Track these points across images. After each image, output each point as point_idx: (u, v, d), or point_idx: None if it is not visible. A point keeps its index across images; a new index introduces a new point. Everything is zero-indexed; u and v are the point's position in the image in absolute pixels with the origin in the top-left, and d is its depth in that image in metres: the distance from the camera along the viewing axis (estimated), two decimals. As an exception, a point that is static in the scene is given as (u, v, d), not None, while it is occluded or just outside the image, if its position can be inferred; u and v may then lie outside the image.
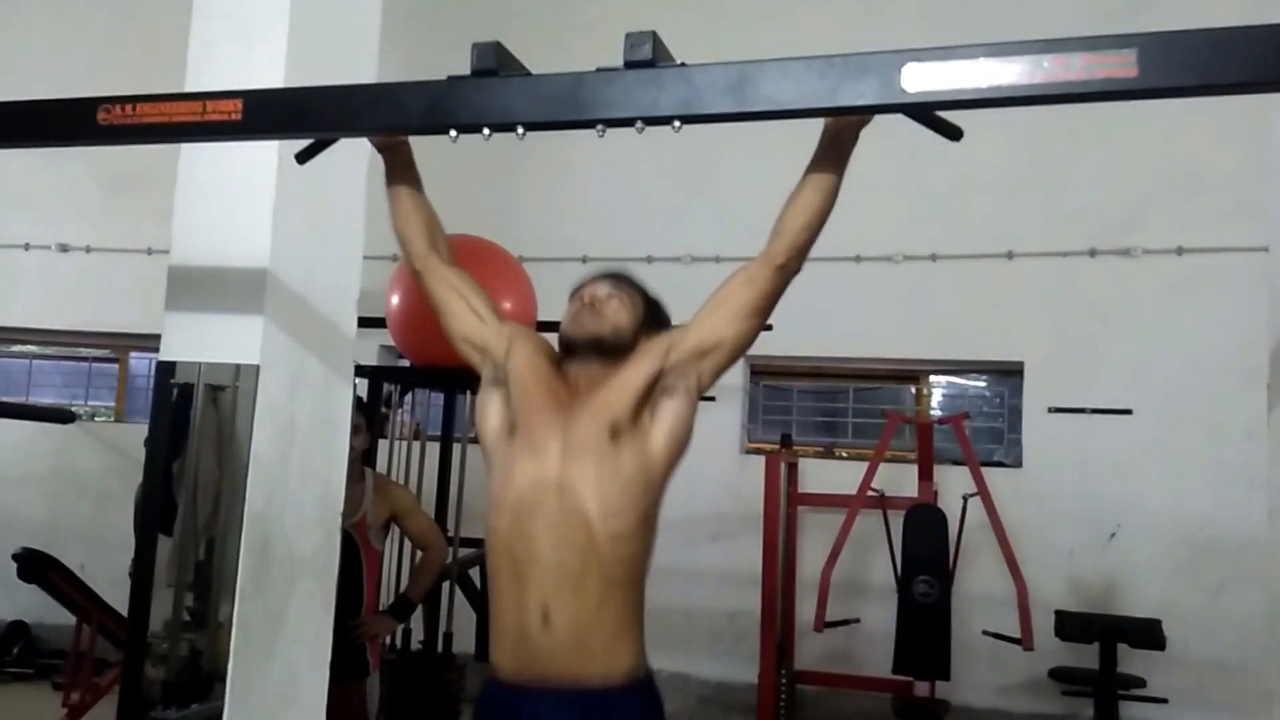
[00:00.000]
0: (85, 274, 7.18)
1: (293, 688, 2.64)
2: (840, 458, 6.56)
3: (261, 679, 2.52)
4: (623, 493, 1.81)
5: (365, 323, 3.04)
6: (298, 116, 1.83)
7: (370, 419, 3.93)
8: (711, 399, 6.35)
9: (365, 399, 4.16)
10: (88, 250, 7.18)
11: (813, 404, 6.91)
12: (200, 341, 2.55)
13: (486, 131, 1.65)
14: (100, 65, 6.65)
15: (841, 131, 1.84)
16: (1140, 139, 5.77)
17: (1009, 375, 6.30)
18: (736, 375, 6.63)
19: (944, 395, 6.61)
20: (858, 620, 5.66)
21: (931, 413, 6.16)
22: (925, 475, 5.48)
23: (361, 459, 3.71)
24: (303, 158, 2.00)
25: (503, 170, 6.61)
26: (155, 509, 2.61)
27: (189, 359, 2.54)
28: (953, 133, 1.78)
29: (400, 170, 2.07)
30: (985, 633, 5.35)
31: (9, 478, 6.98)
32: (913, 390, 6.61)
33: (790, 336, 6.36)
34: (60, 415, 5.99)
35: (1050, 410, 5.96)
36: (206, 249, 2.56)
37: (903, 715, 5.25)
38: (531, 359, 2.01)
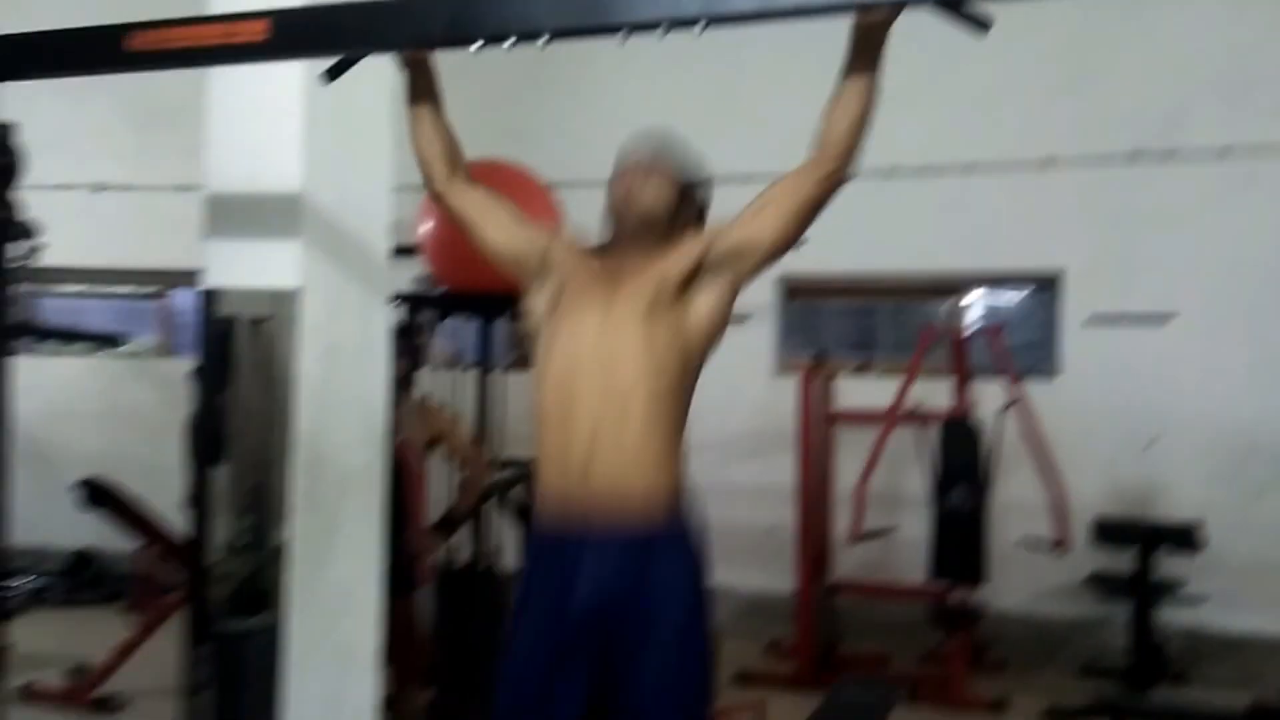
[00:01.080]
0: (125, 212, 7.28)
1: (347, 600, 2.75)
2: (876, 375, 6.56)
3: (317, 592, 2.63)
4: (659, 361, 1.90)
5: (399, 252, 3.08)
6: (323, 34, 1.86)
7: (408, 346, 3.99)
8: (744, 319, 6.47)
9: (403, 326, 4.22)
10: (126, 189, 7.26)
11: (848, 322, 6.90)
12: (240, 268, 2.61)
13: (512, 40, 1.67)
14: None
15: (870, 32, 1.83)
16: (1180, 36, 5.63)
17: (1047, 285, 6.25)
18: (768, 295, 6.64)
19: (981, 308, 6.57)
20: (894, 529, 5.71)
21: (967, 326, 6.13)
22: (961, 388, 5.48)
23: (403, 384, 3.79)
24: (330, 76, 2.02)
25: (528, 93, 6.58)
26: (207, 438, 2.70)
27: (230, 285, 2.60)
28: (981, 24, 1.76)
29: (423, 90, 2.08)
30: (1020, 541, 5.39)
31: (63, 413, 7.17)
32: (949, 304, 6.57)
33: (823, 253, 6.38)
34: (107, 339, 6.16)
35: (1089, 319, 5.92)
36: (240, 176, 2.61)
37: (937, 620, 5.34)
38: (570, 250, 2.09)
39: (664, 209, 2.04)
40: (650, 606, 1.83)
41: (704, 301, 1.98)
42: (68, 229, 7.36)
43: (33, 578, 6.95)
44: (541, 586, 1.90)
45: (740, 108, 6.47)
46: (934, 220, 6.20)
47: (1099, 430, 5.81)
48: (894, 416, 5.45)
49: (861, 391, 6.17)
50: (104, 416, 7.18)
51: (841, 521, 5.69)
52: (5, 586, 6.77)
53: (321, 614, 2.64)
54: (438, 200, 2.16)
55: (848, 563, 5.98)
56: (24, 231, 2.30)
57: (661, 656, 1.82)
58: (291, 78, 2.49)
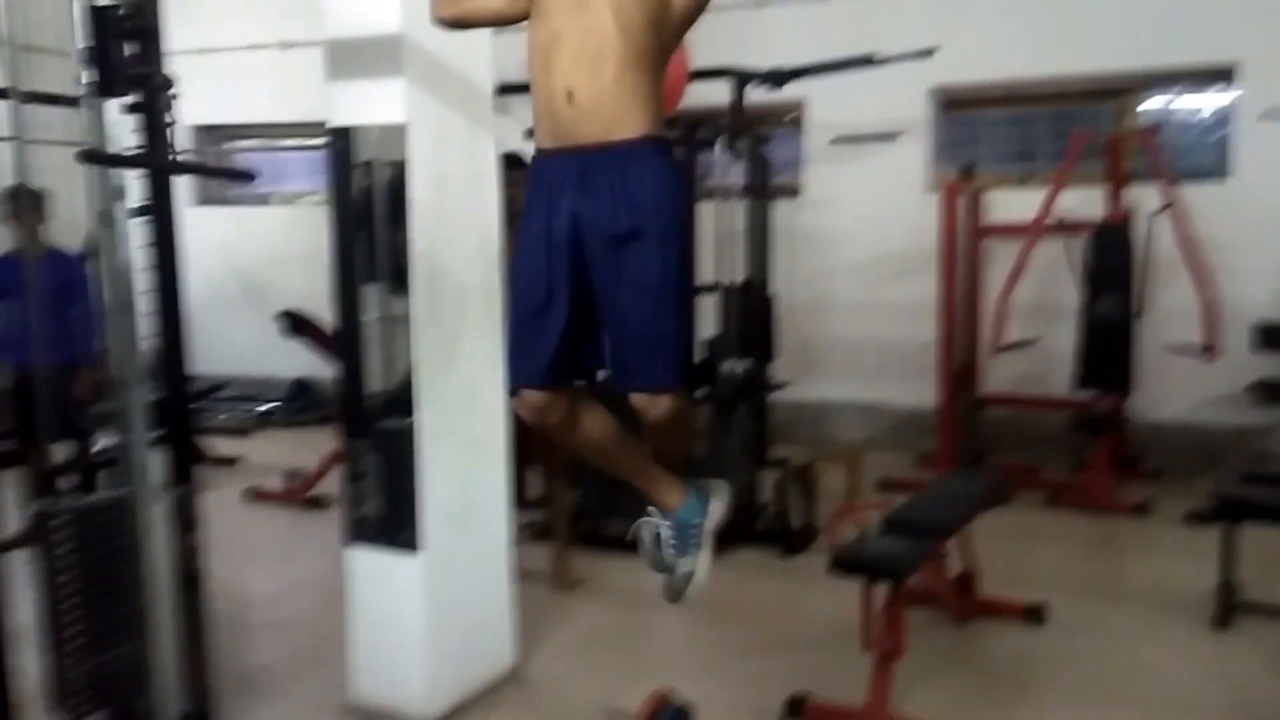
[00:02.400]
0: (311, 68, 7.81)
1: (474, 394, 3.16)
2: (1036, 186, 6.38)
3: (446, 388, 3.04)
4: (632, 21, 2.02)
5: (505, 90, 3.32)
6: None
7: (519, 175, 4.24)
8: (895, 135, 6.39)
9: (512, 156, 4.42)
10: (309, 46, 7.77)
11: (1005, 133, 6.68)
12: (356, 108, 2.94)
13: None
14: None
15: None
16: None
17: (1220, 79, 5.83)
18: (920, 109, 6.51)
19: (1149, 110, 6.21)
20: (1037, 339, 5.68)
21: (1126, 128, 5.84)
22: (1115, 194, 5.30)
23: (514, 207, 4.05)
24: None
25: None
26: (348, 261, 3.09)
27: (347, 124, 2.95)
28: None
29: None
30: (1168, 345, 5.28)
31: (275, 258, 8.00)
32: (1115, 109, 6.25)
33: (980, 62, 6.19)
34: (240, 174, 6.75)
35: (1264, 113, 5.53)
36: (351, 23, 2.91)
37: (1081, 427, 5.35)
38: None
39: None
40: (627, 208, 2.02)
41: None
42: (263, 87, 8.07)
43: (260, 403, 7.97)
44: (536, 205, 2.13)
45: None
46: (1096, 18, 5.87)
47: (1271, 233, 5.51)
48: (1041, 226, 5.35)
49: (1021, 204, 6.03)
50: (307, 258, 7.93)
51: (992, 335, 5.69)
52: (240, 410, 7.81)
53: (449, 411, 3.06)
54: (439, 23, 2.31)
55: (1002, 377, 6.03)
56: (166, 85, 2.67)
57: (640, 245, 2.03)
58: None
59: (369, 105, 2.91)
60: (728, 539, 4.58)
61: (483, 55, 3.11)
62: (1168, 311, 5.48)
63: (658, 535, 2.32)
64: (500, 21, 2.27)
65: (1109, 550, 4.85)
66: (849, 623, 3.10)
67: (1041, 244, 5.46)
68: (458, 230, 3.05)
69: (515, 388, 2.16)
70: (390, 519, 3.04)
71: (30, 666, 2.54)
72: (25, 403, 4.06)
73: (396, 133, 2.88)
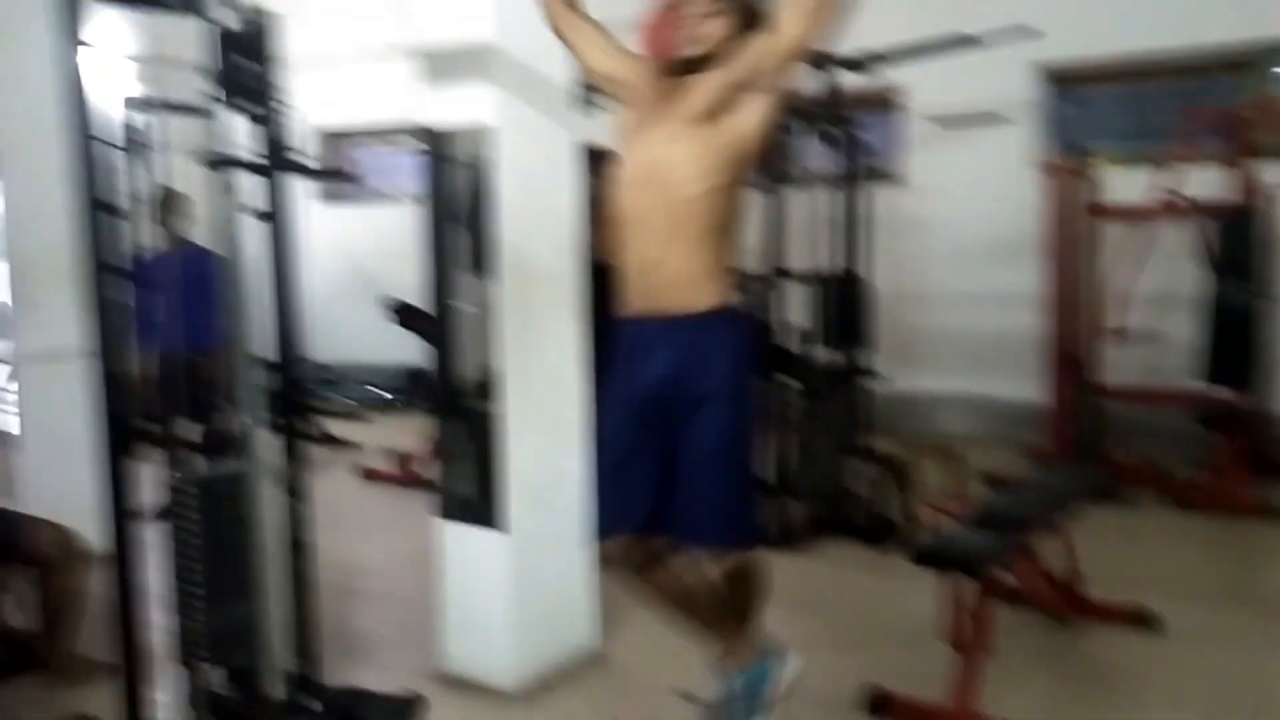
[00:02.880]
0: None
1: (558, 380, 3.33)
2: (1159, 166, 6.13)
3: (531, 373, 3.21)
4: (705, 168, 2.19)
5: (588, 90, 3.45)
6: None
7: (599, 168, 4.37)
8: (1002, 118, 6.24)
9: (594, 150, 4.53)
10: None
11: (1120, 110, 6.44)
12: (449, 111, 3.13)
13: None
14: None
15: None
16: None
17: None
18: (1027, 88, 6.35)
19: (1276, 82, 5.86)
20: (1156, 330, 5.45)
21: (1249, 102, 5.51)
22: (1240, 173, 5.04)
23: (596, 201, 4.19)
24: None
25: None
26: (442, 253, 3.29)
27: (441, 125, 3.14)
28: None
29: None
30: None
31: (391, 253, 8.34)
32: (1239, 82, 5.93)
33: (1092, 36, 5.98)
34: (348, 175, 7.07)
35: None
36: (443, 32, 3.10)
37: (1207, 423, 5.13)
38: (644, 75, 2.37)
39: (719, 41, 2.25)
40: (702, 373, 2.21)
41: (745, 115, 2.20)
42: (383, 92, 8.42)
43: (375, 389, 8.37)
44: (624, 363, 2.33)
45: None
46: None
47: None
48: (1159, 207, 5.12)
49: (1137, 185, 5.81)
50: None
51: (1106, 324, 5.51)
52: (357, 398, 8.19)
53: (534, 396, 3.23)
54: (556, 35, 2.51)
55: (1119, 368, 5.77)
56: (283, 95, 2.90)
57: (711, 408, 2.20)
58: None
59: (461, 108, 3.09)
60: (819, 530, 4.65)
61: (562, 62, 3.26)
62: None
63: (727, 691, 2.43)
64: (591, 73, 2.46)
65: (1234, 554, 4.60)
66: (940, 620, 3.05)
67: (1160, 227, 5.25)
68: (541, 223, 3.21)
69: (600, 534, 2.33)
70: (478, 498, 3.22)
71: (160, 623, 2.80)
72: (168, 386, 4.49)
73: (486, 133, 3.06)
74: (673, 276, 2.20)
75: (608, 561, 2.35)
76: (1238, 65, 5.97)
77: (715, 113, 2.20)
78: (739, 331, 2.28)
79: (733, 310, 2.27)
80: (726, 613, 2.41)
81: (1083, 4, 5.97)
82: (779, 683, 2.44)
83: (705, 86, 2.23)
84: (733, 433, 2.21)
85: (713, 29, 2.25)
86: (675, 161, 2.20)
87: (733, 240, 2.27)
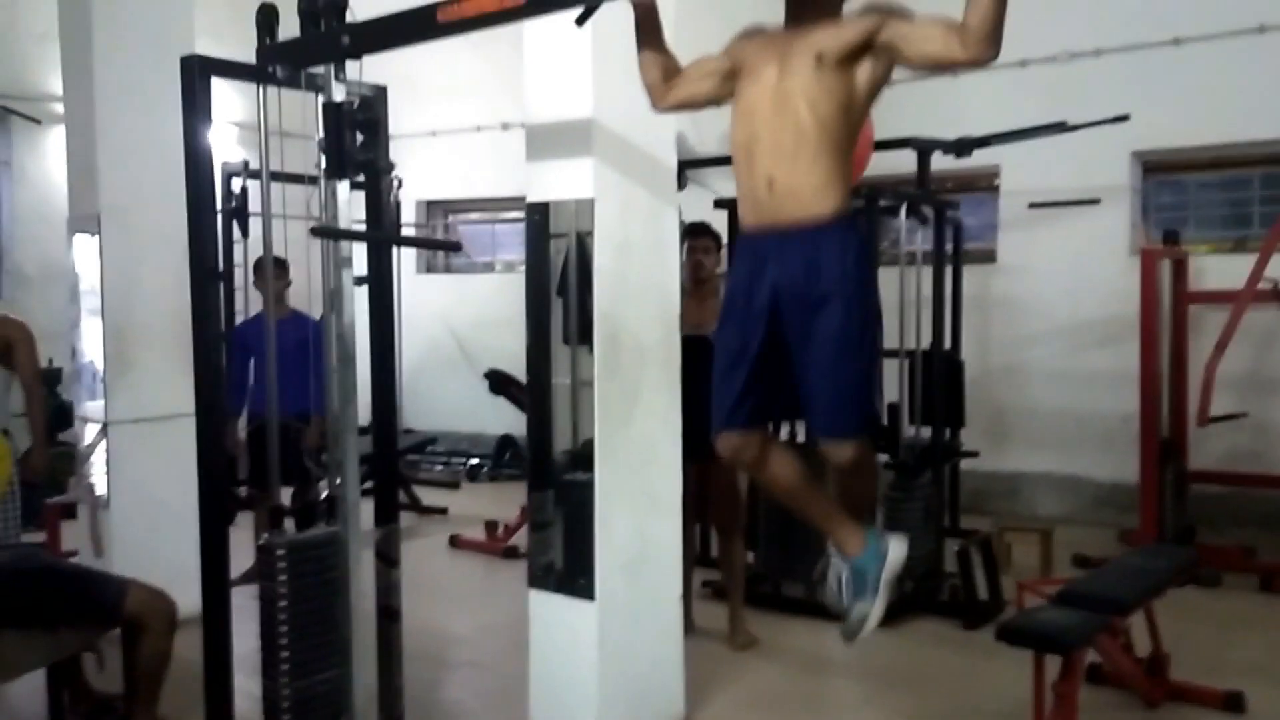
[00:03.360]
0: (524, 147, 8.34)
1: (650, 453, 3.33)
2: (1249, 252, 6.03)
3: (621, 448, 3.22)
4: (824, 96, 2.27)
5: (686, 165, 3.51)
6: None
7: (720, 243, 4.42)
8: (1096, 201, 6.22)
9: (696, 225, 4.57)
10: (522, 126, 8.32)
11: (1216, 196, 6.38)
12: (551, 185, 3.22)
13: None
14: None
15: None
16: None
17: None
18: (1124, 174, 6.32)
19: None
20: (1244, 414, 5.37)
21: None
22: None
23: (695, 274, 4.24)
24: (580, 21, 2.51)
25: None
26: (542, 323, 3.35)
27: (543, 199, 3.22)
28: None
29: (646, 27, 2.53)
30: None
31: (486, 321, 8.53)
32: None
33: (1186, 125, 5.97)
34: (450, 245, 7.19)
35: None
36: (547, 109, 3.20)
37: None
38: (746, 40, 2.47)
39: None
40: (825, 274, 2.28)
41: (863, 71, 2.29)
42: (483, 164, 8.69)
43: (469, 457, 8.46)
44: (740, 268, 2.43)
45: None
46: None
47: None
48: (1252, 293, 5.06)
49: (1231, 271, 5.73)
50: (516, 322, 8.37)
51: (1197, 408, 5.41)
52: (448, 465, 8.30)
53: (626, 466, 3.24)
54: (668, 111, 2.63)
55: (1213, 452, 5.70)
56: (388, 169, 3.02)
57: (834, 304, 2.27)
58: (580, 33, 2.98)
59: (562, 182, 3.18)
60: (909, 607, 4.57)
61: (666, 134, 3.33)
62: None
63: (839, 576, 2.48)
64: (714, 102, 2.57)
65: None
66: (1026, 699, 3.01)
67: (1256, 313, 5.18)
68: (638, 295, 3.26)
69: (717, 430, 2.44)
70: (569, 567, 3.23)
71: (251, 687, 2.83)
72: (262, 450, 4.57)
73: (586, 206, 3.13)
74: (787, 192, 2.29)
75: (724, 449, 2.44)
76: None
77: (836, 60, 2.27)
78: (853, 236, 2.36)
79: (850, 218, 2.37)
80: (838, 503, 2.48)
81: (1179, 94, 5.95)
82: (888, 567, 2.45)
83: (828, 33, 2.30)
84: (851, 330, 2.29)
85: None
86: (791, 100, 2.29)
87: (848, 158, 2.35)
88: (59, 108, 6.51)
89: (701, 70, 2.54)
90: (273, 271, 4.99)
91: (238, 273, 5.07)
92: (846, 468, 2.38)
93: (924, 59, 2.20)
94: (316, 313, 5.42)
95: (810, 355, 2.31)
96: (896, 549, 2.48)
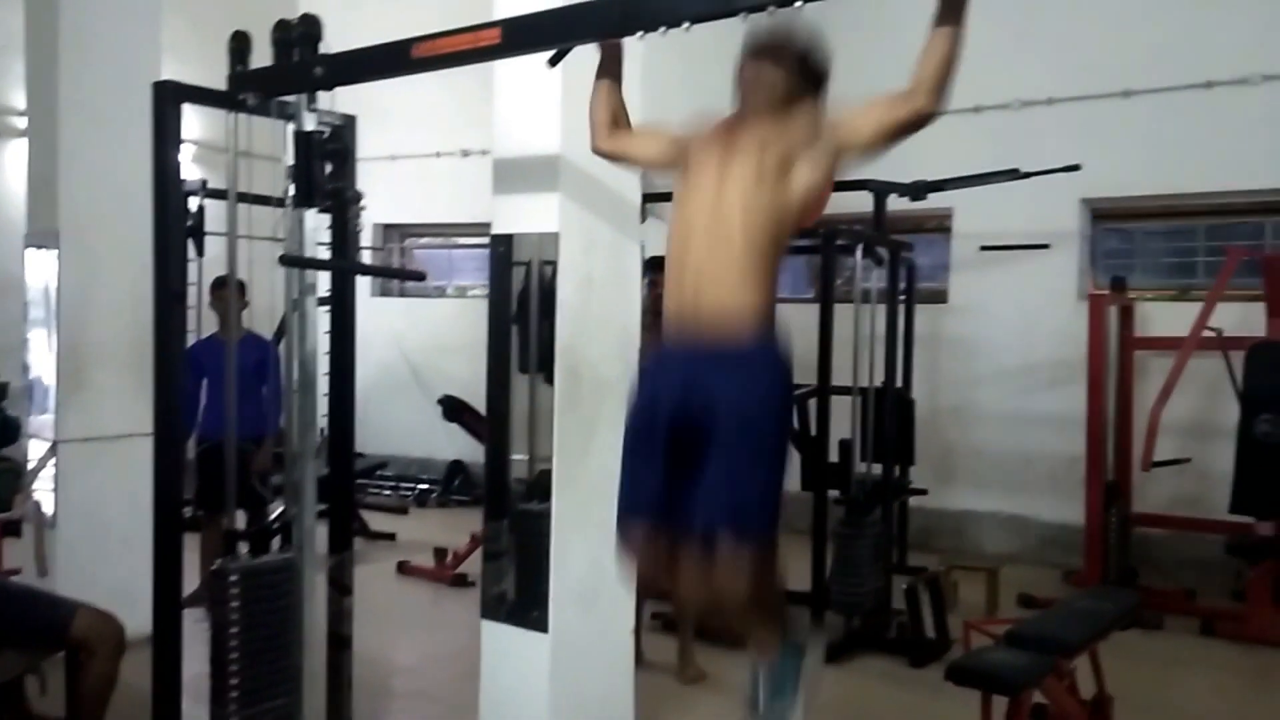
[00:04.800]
0: (485, 173, 8.38)
1: (607, 483, 3.33)
2: (1193, 300, 6.23)
3: (581, 474, 3.24)
4: (759, 215, 2.24)
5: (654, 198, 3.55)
6: (539, 33, 2.39)
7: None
8: (1045, 246, 6.38)
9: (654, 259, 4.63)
10: (484, 154, 8.36)
11: (1162, 245, 6.59)
12: (516, 217, 3.25)
13: (687, 25, 2.09)
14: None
15: None
16: None
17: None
18: (1073, 220, 6.49)
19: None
20: (1188, 460, 5.53)
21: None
22: (1275, 312, 5.15)
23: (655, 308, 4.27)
24: (552, 62, 2.56)
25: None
26: (502, 353, 3.37)
27: (508, 231, 3.25)
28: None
29: (606, 70, 2.57)
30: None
31: (439, 347, 8.51)
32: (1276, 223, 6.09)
33: (1134, 175, 6.16)
34: (414, 275, 7.16)
35: None
36: (515, 143, 3.24)
37: (1238, 553, 5.13)
38: (699, 131, 2.43)
39: (777, 90, 2.31)
40: (734, 402, 2.21)
41: (803, 176, 2.25)
42: (442, 190, 8.70)
43: (419, 482, 8.41)
44: (652, 383, 2.41)
45: (1040, 29, 6.36)
46: (1257, 134, 5.79)
47: None
48: (1195, 341, 5.22)
49: (1176, 318, 5.90)
50: (470, 348, 8.37)
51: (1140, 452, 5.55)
52: (396, 490, 8.23)
53: (584, 497, 3.26)
54: (596, 152, 2.62)
55: (1156, 496, 5.85)
56: (356, 198, 3.04)
57: (746, 420, 2.21)
58: (550, 71, 3.03)
59: (528, 215, 3.21)
60: (856, 644, 4.62)
61: (630, 173, 3.38)
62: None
63: (755, 678, 2.48)
64: (651, 166, 2.57)
65: (1264, 685, 4.58)
66: None
67: (1200, 360, 5.33)
68: (600, 328, 3.29)
69: (619, 520, 2.43)
70: (523, 599, 3.23)
71: (199, 714, 2.80)
72: (212, 472, 4.51)
73: (550, 239, 3.16)
74: (712, 307, 2.25)
75: (625, 544, 2.42)
76: (1272, 209, 6.10)
77: (776, 170, 2.25)
78: (780, 361, 2.32)
79: (774, 343, 2.31)
80: (748, 611, 2.42)
81: (1128, 144, 6.15)
82: (804, 671, 2.46)
83: (771, 140, 2.27)
84: (766, 441, 2.24)
85: (771, 75, 2.31)
86: (729, 206, 2.26)
87: (773, 285, 2.31)
88: (17, 121, 6.42)
89: (653, 135, 2.54)
90: (228, 292, 5.00)
91: (191, 291, 5.02)
92: (752, 576, 2.26)
93: (877, 131, 2.18)
94: (268, 334, 5.45)
95: (718, 457, 2.22)
96: (812, 651, 2.52)
